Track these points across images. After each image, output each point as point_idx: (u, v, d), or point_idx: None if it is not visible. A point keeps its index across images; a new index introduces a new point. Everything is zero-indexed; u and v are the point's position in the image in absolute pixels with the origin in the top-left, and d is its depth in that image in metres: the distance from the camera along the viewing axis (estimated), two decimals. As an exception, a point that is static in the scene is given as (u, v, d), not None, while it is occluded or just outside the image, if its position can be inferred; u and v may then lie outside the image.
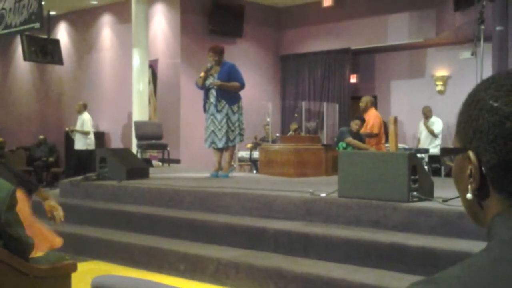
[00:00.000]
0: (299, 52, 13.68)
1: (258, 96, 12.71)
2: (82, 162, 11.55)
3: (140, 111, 11.07)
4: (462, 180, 0.92)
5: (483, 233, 0.95)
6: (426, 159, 9.78)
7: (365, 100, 9.14)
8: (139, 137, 10.29)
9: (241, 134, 7.38)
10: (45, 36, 12.65)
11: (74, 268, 2.83)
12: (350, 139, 7.97)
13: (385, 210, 4.42)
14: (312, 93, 13.49)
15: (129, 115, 12.11)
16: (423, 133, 11.02)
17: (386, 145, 8.79)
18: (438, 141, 10.88)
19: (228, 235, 4.95)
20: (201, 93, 7.57)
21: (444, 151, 0.97)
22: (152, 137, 10.35)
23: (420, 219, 4.25)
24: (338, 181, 4.80)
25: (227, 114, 7.23)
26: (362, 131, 8.54)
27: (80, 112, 12.03)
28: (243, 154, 11.65)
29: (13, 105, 16.25)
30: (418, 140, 11.15)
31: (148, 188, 6.31)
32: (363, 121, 8.42)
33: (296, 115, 12.08)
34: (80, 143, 11.86)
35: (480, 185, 0.88)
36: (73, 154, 12.32)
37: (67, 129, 12.53)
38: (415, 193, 4.42)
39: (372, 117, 8.94)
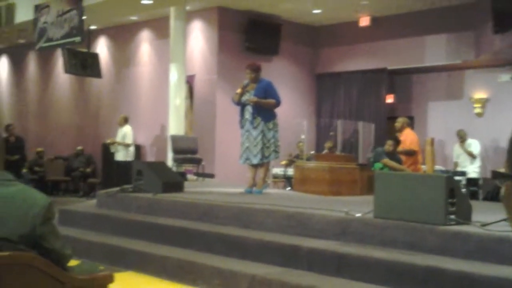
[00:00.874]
0: (335, 71, 13.67)
1: (293, 113, 12.72)
2: (120, 173, 11.82)
3: (176, 126, 11.20)
4: (511, 205, 0.91)
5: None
6: (464, 182, 9.64)
7: (401, 120, 9.10)
8: (175, 151, 10.40)
9: (276, 151, 7.38)
10: (85, 50, 12.93)
11: (111, 279, 2.85)
12: (386, 160, 7.90)
13: (422, 232, 4.36)
14: (348, 112, 13.44)
15: (165, 129, 12.26)
16: (461, 156, 10.87)
17: (423, 166, 8.69)
18: (477, 163, 10.71)
19: (262, 252, 4.94)
20: (236, 109, 7.62)
21: (495, 174, 0.96)
22: (188, 151, 10.46)
23: (457, 243, 4.18)
24: (374, 202, 4.76)
25: (262, 131, 7.25)
26: (401, 148, 8.46)
27: (121, 124, 12.45)
28: (278, 170, 11.66)
29: (53, 116, 16.59)
30: (456, 164, 10.99)
31: (183, 202, 6.35)
32: (396, 142, 8.35)
33: (331, 133, 12.05)
34: (121, 155, 12.23)
35: None
36: (113, 165, 12.60)
37: (108, 141, 12.80)
38: (452, 216, 4.35)
39: (410, 135, 8.87)
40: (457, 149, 11.05)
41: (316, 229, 5.02)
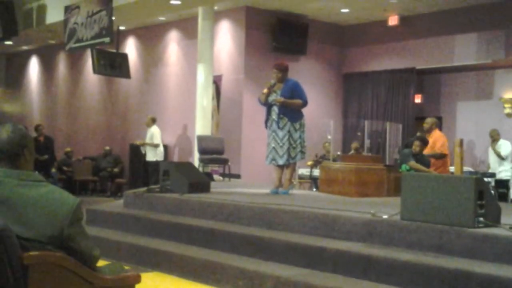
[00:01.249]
0: (363, 70, 13.59)
1: (320, 113, 12.69)
2: (148, 173, 11.96)
3: (203, 126, 11.25)
4: None
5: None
6: (493, 184, 9.49)
7: (430, 121, 8.94)
8: (201, 151, 10.45)
9: (302, 152, 7.35)
10: (114, 50, 13.05)
11: (138, 279, 2.87)
12: (413, 163, 7.78)
13: (449, 235, 4.31)
14: (375, 112, 13.35)
15: (192, 129, 12.32)
16: (492, 157, 10.69)
17: (451, 168, 8.56)
18: (507, 165, 10.52)
19: (287, 253, 4.94)
20: (263, 109, 7.61)
21: None
22: (214, 152, 10.49)
23: (485, 246, 4.13)
24: (401, 203, 4.72)
25: (289, 131, 7.23)
26: (429, 151, 8.32)
27: (149, 125, 12.56)
28: (303, 171, 11.63)
29: (82, 116, 16.79)
30: (488, 165, 10.81)
31: (209, 202, 6.37)
32: (424, 142, 8.20)
33: (358, 133, 11.97)
34: (150, 155, 12.36)
35: None
36: (140, 165, 12.73)
37: (137, 142, 12.94)
38: (481, 218, 4.30)
39: (440, 137, 8.73)
40: (490, 149, 10.85)
41: (342, 230, 5.00)
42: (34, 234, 2.34)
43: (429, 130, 8.73)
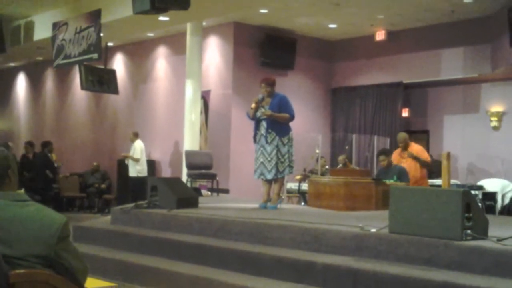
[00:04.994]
0: (350, 85, 13.66)
1: (308, 128, 12.72)
2: (133, 189, 11.88)
3: (191, 141, 11.24)
4: None
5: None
6: (480, 196, 9.53)
7: (402, 139, 8.68)
8: (189, 166, 10.42)
9: (290, 166, 7.35)
10: (102, 67, 13.04)
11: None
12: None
13: (437, 248, 4.31)
14: (363, 126, 13.41)
15: (180, 145, 12.31)
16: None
17: (436, 181, 8.58)
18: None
19: (276, 268, 4.91)
20: (251, 124, 7.62)
21: None
22: (202, 167, 10.47)
23: (473, 259, 4.13)
24: (389, 217, 4.72)
25: (277, 146, 7.23)
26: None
27: (132, 140, 12.51)
28: (292, 185, 11.63)
29: (69, 132, 16.72)
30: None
31: (197, 218, 6.34)
32: (387, 153, 8.29)
33: (346, 147, 12.00)
34: (132, 170, 12.27)
35: None
36: (128, 181, 12.68)
37: (123, 154, 12.89)
38: (468, 231, 4.30)
39: (422, 148, 8.76)
40: None
41: (330, 244, 4.99)
42: (22, 253, 2.32)
43: (406, 147, 8.63)
